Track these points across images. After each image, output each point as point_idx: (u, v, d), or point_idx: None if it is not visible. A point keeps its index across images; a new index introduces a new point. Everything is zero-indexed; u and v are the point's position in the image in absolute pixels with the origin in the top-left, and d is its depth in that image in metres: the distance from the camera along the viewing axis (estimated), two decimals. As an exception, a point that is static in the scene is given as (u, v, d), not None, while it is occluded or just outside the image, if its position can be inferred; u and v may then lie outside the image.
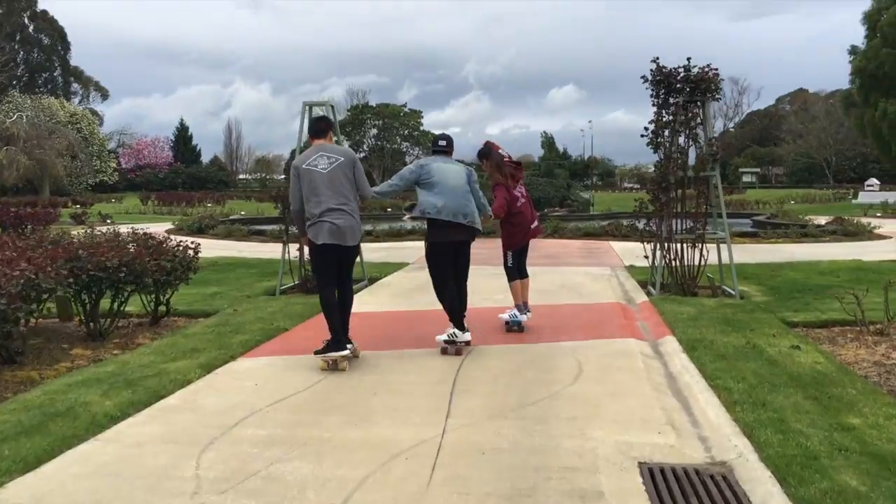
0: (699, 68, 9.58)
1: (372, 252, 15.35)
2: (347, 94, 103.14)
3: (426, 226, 6.80)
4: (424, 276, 11.53)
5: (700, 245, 9.58)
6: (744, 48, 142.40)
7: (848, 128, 76.69)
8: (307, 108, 10.40)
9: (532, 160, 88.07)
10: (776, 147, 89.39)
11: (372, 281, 11.12)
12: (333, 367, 5.98)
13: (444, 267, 6.83)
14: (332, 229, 6.02)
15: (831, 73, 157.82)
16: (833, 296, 9.07)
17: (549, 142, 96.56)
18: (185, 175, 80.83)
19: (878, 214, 28.26)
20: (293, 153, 10.42)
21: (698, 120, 9.75)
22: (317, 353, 6.08)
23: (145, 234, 8.61)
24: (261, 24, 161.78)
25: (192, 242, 8.77)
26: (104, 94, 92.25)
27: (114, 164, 73.69)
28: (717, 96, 9.71)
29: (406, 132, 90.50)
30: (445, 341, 6.63)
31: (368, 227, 19.10)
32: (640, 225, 10.36)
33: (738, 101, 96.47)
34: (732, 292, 9.60)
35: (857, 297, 7.12)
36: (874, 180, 42.35)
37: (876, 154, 75.08)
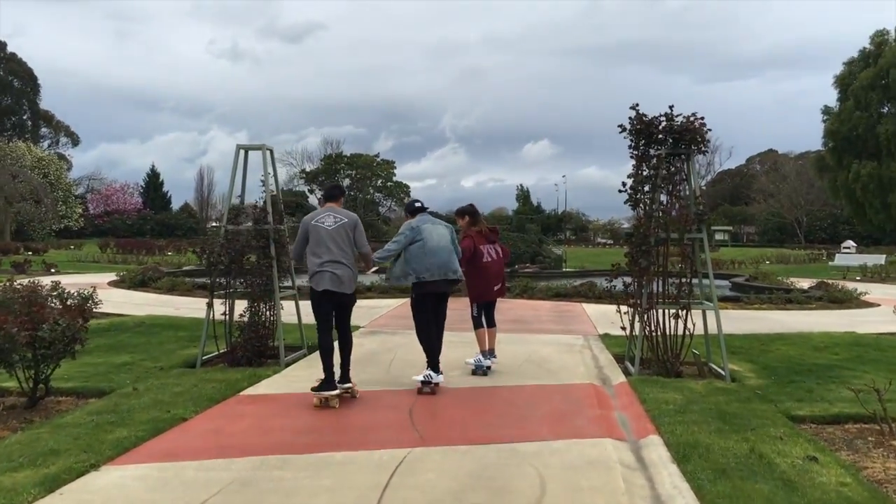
0: (684, 117, 8.50)
1: (322, 312, 13.97)
2: (322, 144, 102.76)
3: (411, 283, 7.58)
4: (374, 342, 10.25)
5: (684, 315, 8.37)
6: (715, 108, 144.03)
7: (819, 188, 77.18)
8: (241, 150, 9.14)
9: (506, 213, 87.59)
10: (747, 206, 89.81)
11: (312, 349, 9.72)
12: (325, 404, 6.60)
13: (427, 314, 7.70)
14: (333, 278, 6.91)
15: (801, 134, 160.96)
16: (837, 380, 7.91)
17: (524, 195, 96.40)
18: (154, 222, 79.38)
19: (858, 278, 27.45)
20: (229, 208, 9.14)
21: (682, 175, 8.65)
22: (312, 389, 6.72)
23: (29, 291, 7.19)
24: (239, 73, 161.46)
25: (94, 302, 7.46)
26: (75, 140, 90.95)
27: (80, 210, 72.10)
28: (703, 148, 8.61)
29: (379, 183, 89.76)
30: (422, 381, 7.30)
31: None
32: (616, 285, 9.13)
33: (709, 160, 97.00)
34: (722, 372, 8.35)
35: (879, 391, 5.89)
36: (851, 242, 41.88)
37: (847, 215, 75.70)
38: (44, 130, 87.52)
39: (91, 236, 66.99)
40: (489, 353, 8.59)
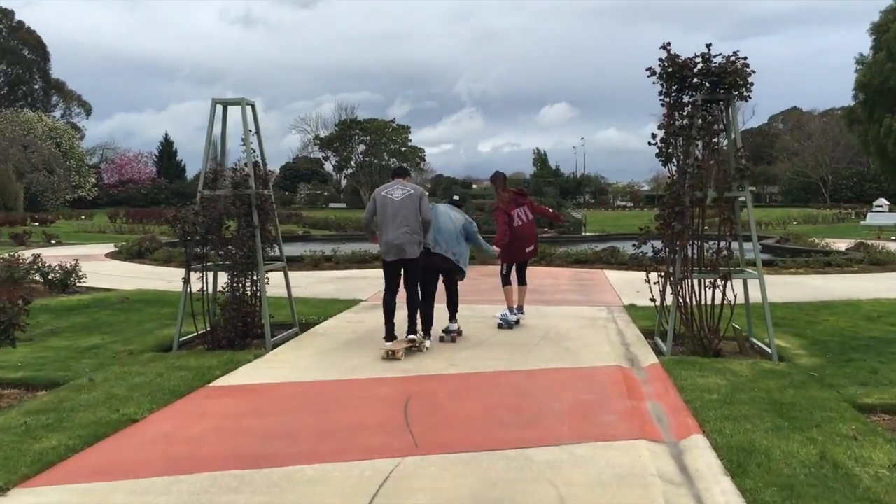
0: (723, 57, 7.34)
1: (323, 283, 13.02)
2: (336, 109, 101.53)
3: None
4: (374, 318, 9.25)
5: (724, 286, 7.30)
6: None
7: (844, 146, 75.00)
8: (218, 105, 8.09)
9: (523, 177, 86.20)
10: (769, 165, 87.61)
11: (305, 327, 8.78)
12: (391, 357, 6.92)
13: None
14: (397, 247, 7.50)
15: (825, 91, 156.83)
16: (905, 358, 6.83)
17: (541, 158, 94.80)
18: (168, 191, 78.71)
19: (893, 238, 26.09)
20: (203, 165, 8.13)
21: (721, 124, 7.51)
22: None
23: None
24: (253, 40, 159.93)
25: (77, 276, 6.48)
26: (87, 109, 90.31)
27: (93, 180, 71.67)
28: (746, 93, 7.45)
29: (394, 148, 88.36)
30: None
31: (330, 251, 16.80)
32: (644, 251, 8.05)
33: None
34: (767, 350, 7.31)
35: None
36: (883, 200, 40.13)
37: (874, 172, 73.60)
38: (56, 100, 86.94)
39: (105, 206, 66.51)
40: (518, 309, 9.02)
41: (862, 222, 32.54)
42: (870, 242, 18.49)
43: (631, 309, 10.12)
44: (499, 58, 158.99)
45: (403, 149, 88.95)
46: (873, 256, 15.73)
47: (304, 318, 9.19)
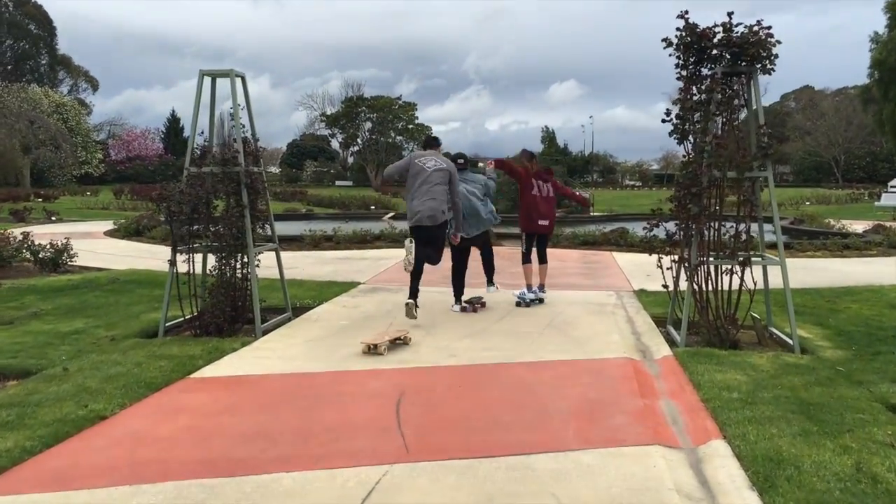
0: (745, 27, 6.82)
1: (322, 264, 12.59)
2: (343, 86, 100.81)
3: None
4: (372, 303, 8.85)
5: (742, 272, 6.84)
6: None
7: (857, 125, 73.95)
8: (206, 77, 7.61)
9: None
10: (780, 144, 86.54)
11: (299, 311, 8.36)
12: (373, 350, 6.34)
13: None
14: (422, 215, 7.71)
15: (837, 69, 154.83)
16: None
17: (549, 137, 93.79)
18: (176, 167, 78.08)
19: (909, 219, 25.48)
20: (192, 133, 7.68)
21: (742, 99, 7.01)
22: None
23: None
24: (261, 16, 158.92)
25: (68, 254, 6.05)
26: (94, 85, 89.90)
27: (100, 156, 71.41)
28: (769, 66, 6.93)
29: (401, 126, 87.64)
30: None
31: (331, 230, 16.36)
32: (655, 234, 7.55)
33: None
34: (788, 341, 6.86)
35: None
36: (898, 181, 39.38)
37: (887, 152, 72.56)
38: (62, 76, 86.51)
39: (113, 182, 66.31)
40: (540, 288, 9.13)
41: (876, 203, 31.89)
42: (888, 224, 17.94)
43: (641, 294, 9.68)
44: (508, 35, 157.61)
45: (410, 126, 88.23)
46: (893, 239, 15.19)
47: (297, 301, 8.78)
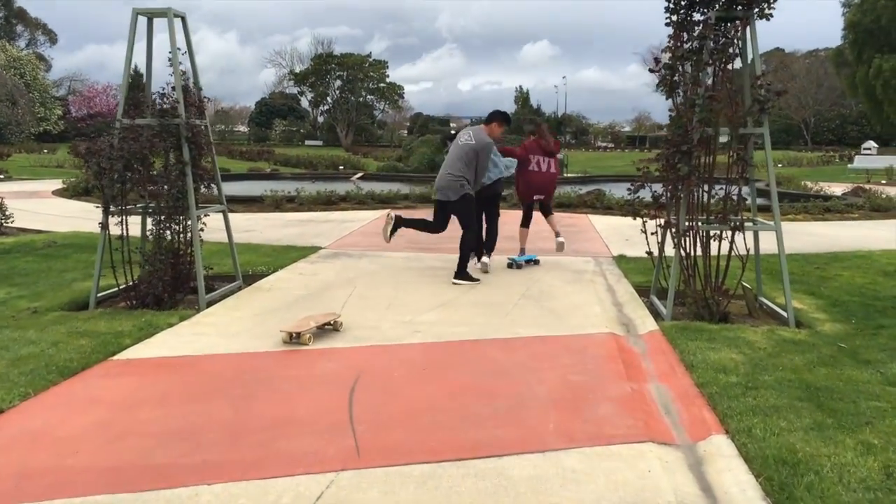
0: (742, -34, 6.14)
1: (282, 227, 11.84)
2: (313, 43, 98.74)
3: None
4: (332, 270, 8.16)
5: (732, 238, 6.26)
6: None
7: (828, 88, 73.91)
8: (139, 16, 6.76)
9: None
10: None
11: (252, 279, 7.65)
12: (295, 339, 5.32)
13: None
14: (436, 186, 8.05)
15: (809, 32, 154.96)
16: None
17: (523, 97, 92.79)
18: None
19: (884, 182, 25.23)
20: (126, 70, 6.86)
21: (737, 48, 6.34)
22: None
23: None
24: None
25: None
26: (52, 39, 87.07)
27: (59, 112, 69.23)
28: (767, 10, 6.26)
29: (372, 85, 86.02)
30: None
31: (293, 190, 15.54)
32: (642, 194, 6.91)
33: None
34: (780, 312, 6.32)
35: None
36: (871, 143, 39.21)
37: (856, 115, 72.79)
38: (20, 29, 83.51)
39: (75, 139, 64.40)
40: (556, 234, 9.27)
41: (849, 165, 31.66)
42: (867, 187, 17.54)
43: (621, 261, 9.08)
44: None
45: (381, 85, 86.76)
46: (874, 202, 14.77)
47: (250, 269, 8.07)
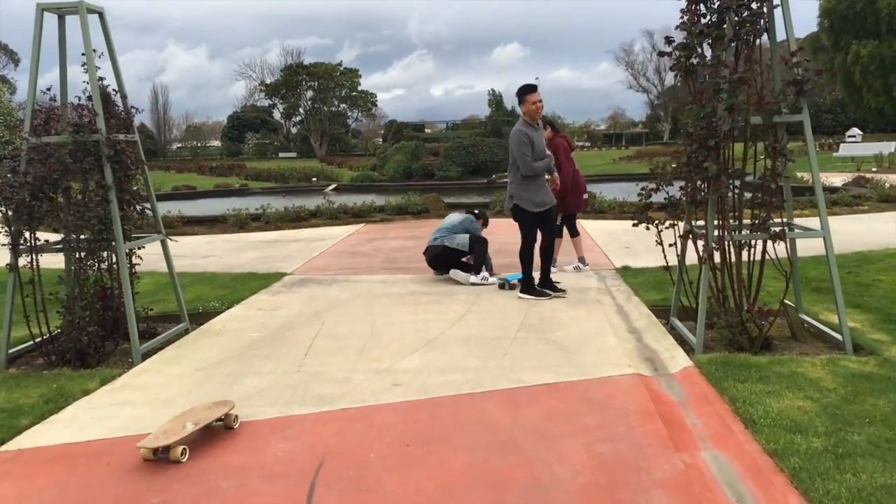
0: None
1: (244, 250, 10.68)
2: (282, 54, 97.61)
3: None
4: (298, 301, 7.08)
5: (764, 248, 5.24)
6: None
7: (803, 76, 73.53)
8: (45, 13, 5.60)
9: (479, 120, 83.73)
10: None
11: (204, 317, 6.52)
12: (162, 454, 3.53)
13: None
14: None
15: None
16: None
17: (496, 100, 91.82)
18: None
19: (874, 169, 24.44)
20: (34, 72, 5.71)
21: (764, 22, 5.31)
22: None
23: None
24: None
25: None
26: (15, 60, 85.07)
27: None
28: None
29: (343, 93, 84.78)
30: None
31: (258, 208, 14.36)
32: (657, 198, 5.86)
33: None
34: (833, 334, 5.28)
35: None
36: (856, 130, 38.53)
37: (831, 103, 72.53)
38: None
39: (39, 164, 62.74)
40: (581, 260, 8.41)
41: (835, 154, 30.88)
42: (869, 176, 16.67)
43: (626, 273, 8.02)
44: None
45: (353, 93, 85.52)
46: (882, 192, 13.84)
47: (201, 305, 6.92)
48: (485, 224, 8.64)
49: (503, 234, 9.62)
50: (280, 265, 9.19)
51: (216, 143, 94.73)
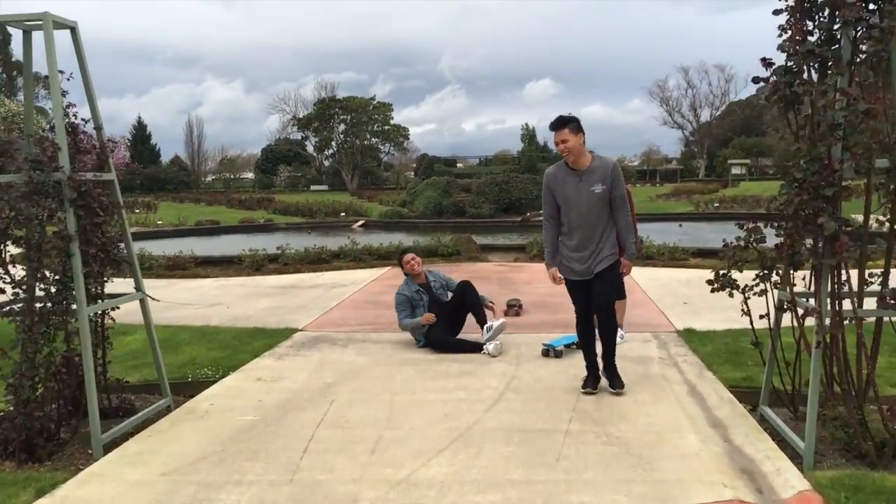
0: None
1: (255, 299, 9.68)
2: (316, 88, 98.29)
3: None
4: (304, 371, 5.93)
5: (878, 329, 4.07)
6: (721, 40, 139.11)
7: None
8: (7, 27, 4.67)
9: (511, 154, 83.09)
10: (763, 137, 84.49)
11: (191, 389, 5.49)
12: None
13: None
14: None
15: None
16: None
17: (529, 135, 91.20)
18: (143, 176, 75.18)
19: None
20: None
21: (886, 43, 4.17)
22: None
23: None
24: (232, 20, 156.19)
25: None
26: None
27: (59, 165, 67.90)
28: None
29: (376, 127, 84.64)
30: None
31: (278, 248, 13.42)
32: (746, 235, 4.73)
33: (724, 90, 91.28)
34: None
35: None
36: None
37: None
38: (20, 82, 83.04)
39: (73, 193, 63.22)
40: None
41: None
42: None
43: (692, 338, 6.84)
44: (482, 34, 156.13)
45: (386, 127, 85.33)
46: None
47: (191, 373, 5.88)
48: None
49: (543, 283, 8.48)
50: (292, 318, 8.14)
51: (250, 175, 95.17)
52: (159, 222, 28.13)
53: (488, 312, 6.88)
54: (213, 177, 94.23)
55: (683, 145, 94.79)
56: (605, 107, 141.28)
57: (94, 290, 4.75)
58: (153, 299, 5.23)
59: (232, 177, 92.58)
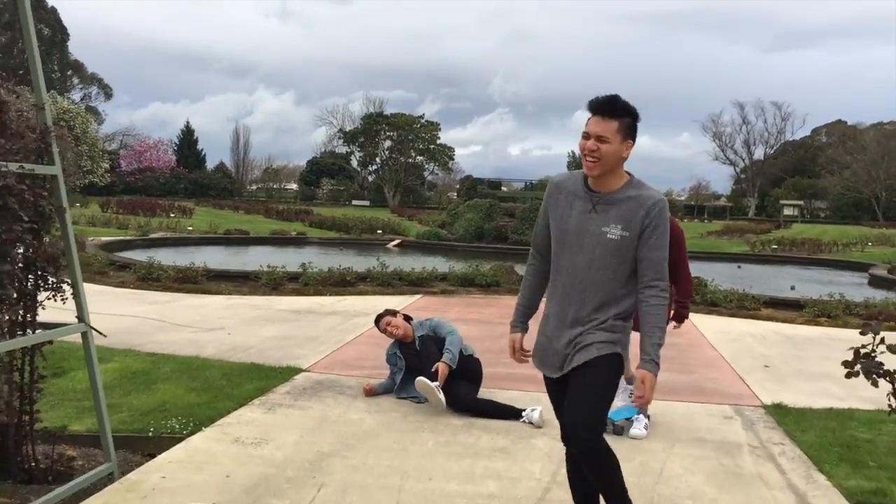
0: None
1: (263, 324, 8.52)
2: (364, 102, 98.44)
3: None
4: (294, 432, 4.61)
5: None
6: (777, 79, 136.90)
7: (898, 161, 69.36)
8: None
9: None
10: (812, 179, 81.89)
11: (147, 446, 4.29)
12: None
13: None
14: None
15: (869, 105, 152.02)
16: None
17: (576, 163, 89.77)
18: (187, 181, 75.58)
19: None
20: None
21: None
22: None
23: None
24: (287, 34, 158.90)
25: None
26: (107, 93, 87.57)
27: (106, 165, 68.52)
28: None
29: (422, 146, 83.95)
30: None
31: (301, 265, 12.29)
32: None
33: (780, 128, 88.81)
34: None
35: None
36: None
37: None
38: (76, 82, 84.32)
39: (121, 193, 63.56)
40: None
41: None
42: None
43: (784, 418, 5.42)
44: (534, 60, 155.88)
45: (432, 146, 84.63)
46: None
47: (154, 424, 4.67)
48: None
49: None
50: (298, 353, 6.93)
51: (294, 186, 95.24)
52: (189, 228, 27.35)
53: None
54: (257, 186, 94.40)
55: (734, 182, 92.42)
56: (652, 139, 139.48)
57: (9, 317, 3.58)
58: (99, 333, 4.05)
59: (275, 187, 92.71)
